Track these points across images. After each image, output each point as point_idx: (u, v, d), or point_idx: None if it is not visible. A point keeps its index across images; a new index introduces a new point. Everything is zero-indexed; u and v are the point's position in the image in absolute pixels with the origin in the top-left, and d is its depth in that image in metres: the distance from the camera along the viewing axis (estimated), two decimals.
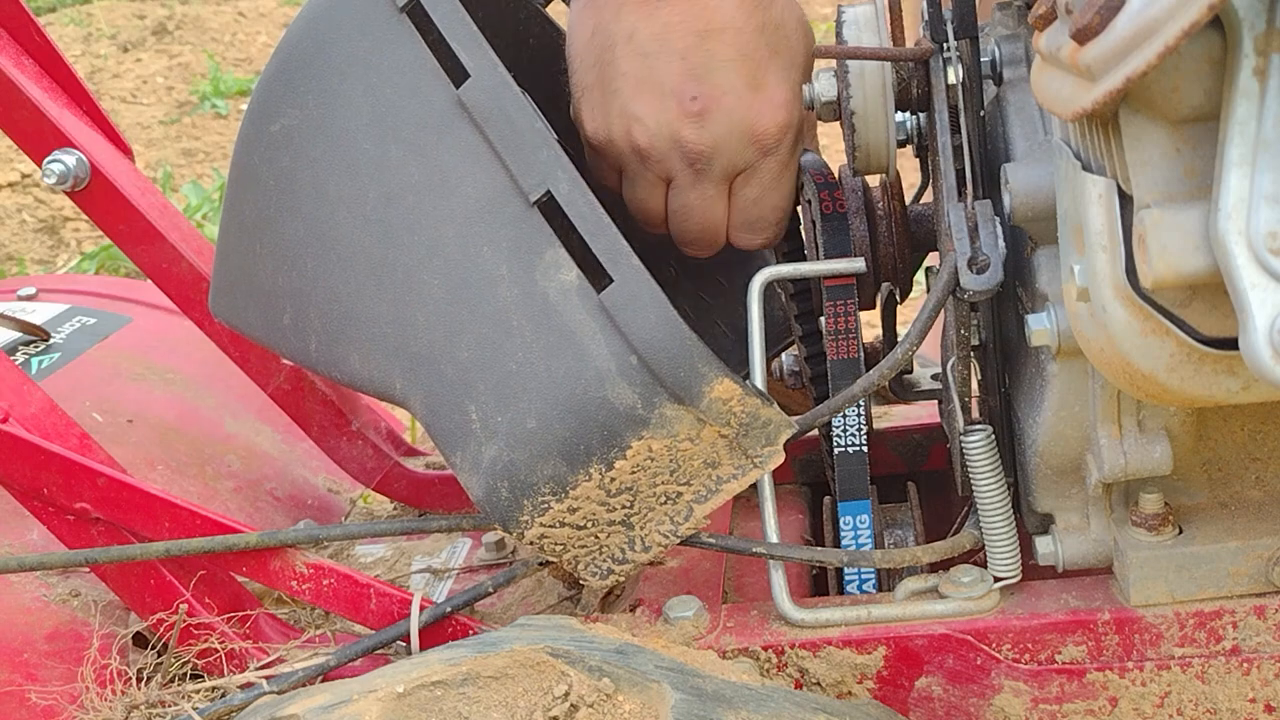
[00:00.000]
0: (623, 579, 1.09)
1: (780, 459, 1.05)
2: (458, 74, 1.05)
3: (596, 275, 1.01)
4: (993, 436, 1.09)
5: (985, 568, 1.10)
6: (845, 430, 1.20)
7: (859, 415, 1.19)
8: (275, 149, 1.11)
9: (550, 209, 1.02)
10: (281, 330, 1.12)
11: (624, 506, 1.04)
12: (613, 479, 1.03)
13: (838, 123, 1.15)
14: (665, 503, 1.05)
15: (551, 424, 1.02)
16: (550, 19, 1.41)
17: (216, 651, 1.23)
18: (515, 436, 1.03)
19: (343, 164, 1.08)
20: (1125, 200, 0.81)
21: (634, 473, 1.03)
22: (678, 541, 1.07)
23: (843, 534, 1.20)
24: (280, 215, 1.10)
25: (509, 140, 1.03)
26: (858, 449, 1.19)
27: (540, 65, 1.40)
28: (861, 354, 1.20)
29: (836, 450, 1.20)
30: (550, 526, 1.05)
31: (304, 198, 1.09)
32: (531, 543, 1.06)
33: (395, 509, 1.63)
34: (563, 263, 1.02)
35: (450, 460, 1.06)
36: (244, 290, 1.15)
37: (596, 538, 1.06)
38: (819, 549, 1.15)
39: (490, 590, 1.20)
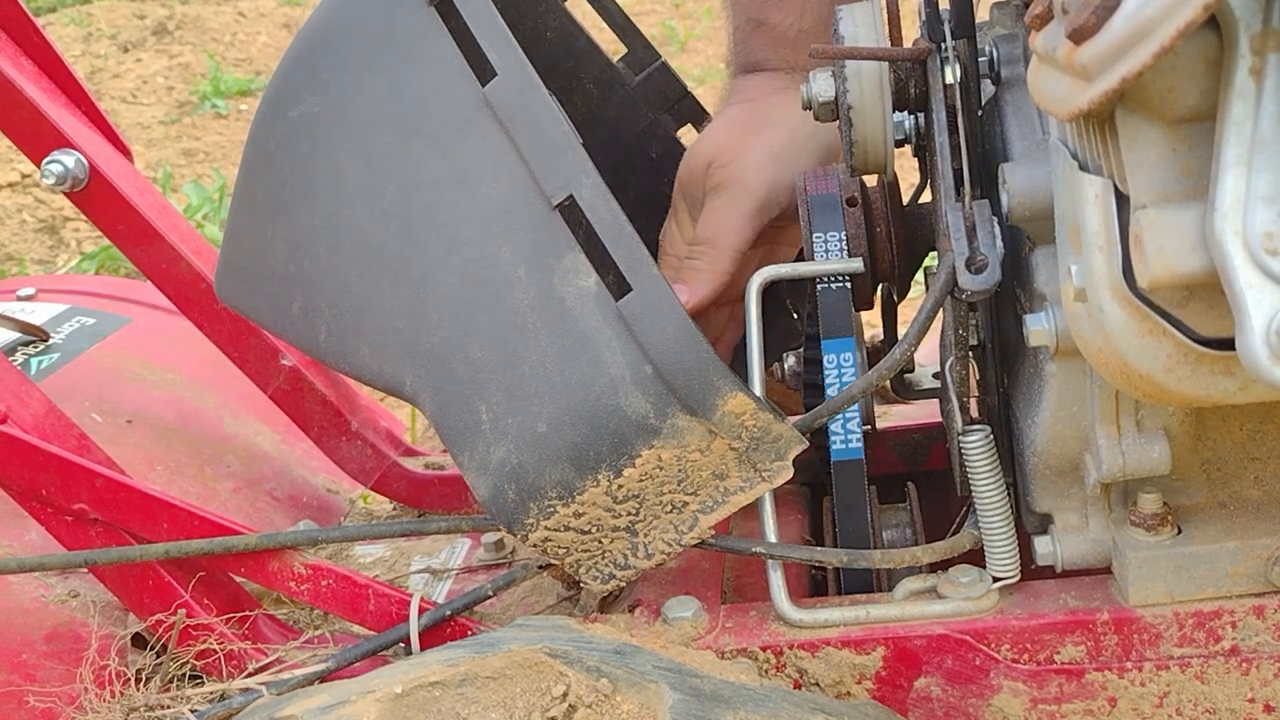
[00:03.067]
0: (624, 584, 1.09)
1: (789, 474, 1.04)
2: (484, 71, 1.04)
3: (615, 282, 1.01)
4: (991, 436, 1.08)
5: (984, 568, 1.10)
6: (827, 262, 1.18)
7: (841, 247, 1.18)
8: (294, 135, 1.10)
9: (572, 213, 1.02)
10: (290, 318, 1.11)
11: (630, 513, 1.04)
12: (620, 486, 1.03)
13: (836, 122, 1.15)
14: (671, 511, 1.05)
15: (562, 428, 1.02)
16: (569, 13, 1.40)
17: (215, 652, 1.23)
18: (525, 439, 1.02)
19: (362, 155, 1.07)
20: (1122, 200, 0.80)
21: (642, 481, 1.03)
22: (680, 549, 1.07)
23: (827, 372, 1.18)
24: (295, 202, 1.10)
25: (533, 141, 1.02)
26: (841, 286, 1.18)
27: (557, 59, 1.40)
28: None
29: (819, 287, 1.18)
30: (555, 530, 1.04)
31: (321, 186, 1.08)
32: (535, 545, 1.06)
33: (395, 509, 1.63)
34: (581, 268, 1.01)
35: (458, 459, 1.06)
36: (253, 275, 1.14)
37: (600, 543, 1.06)
38: (818, 549, 1.15)
39: (490, 594, 1.20)
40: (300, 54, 1.12)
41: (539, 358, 1.02)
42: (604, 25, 1.44)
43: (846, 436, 1.18)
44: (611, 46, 1.46)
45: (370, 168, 1.07)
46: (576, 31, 1.40)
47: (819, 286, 1.18)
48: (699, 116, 1.46)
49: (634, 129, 1.45)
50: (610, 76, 1.43)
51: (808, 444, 1.05)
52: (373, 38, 1.08)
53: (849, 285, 1.18)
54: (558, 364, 1.01)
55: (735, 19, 1.37)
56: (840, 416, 1.17)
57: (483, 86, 1.03)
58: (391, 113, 1.06)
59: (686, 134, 1.48)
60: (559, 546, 1.05)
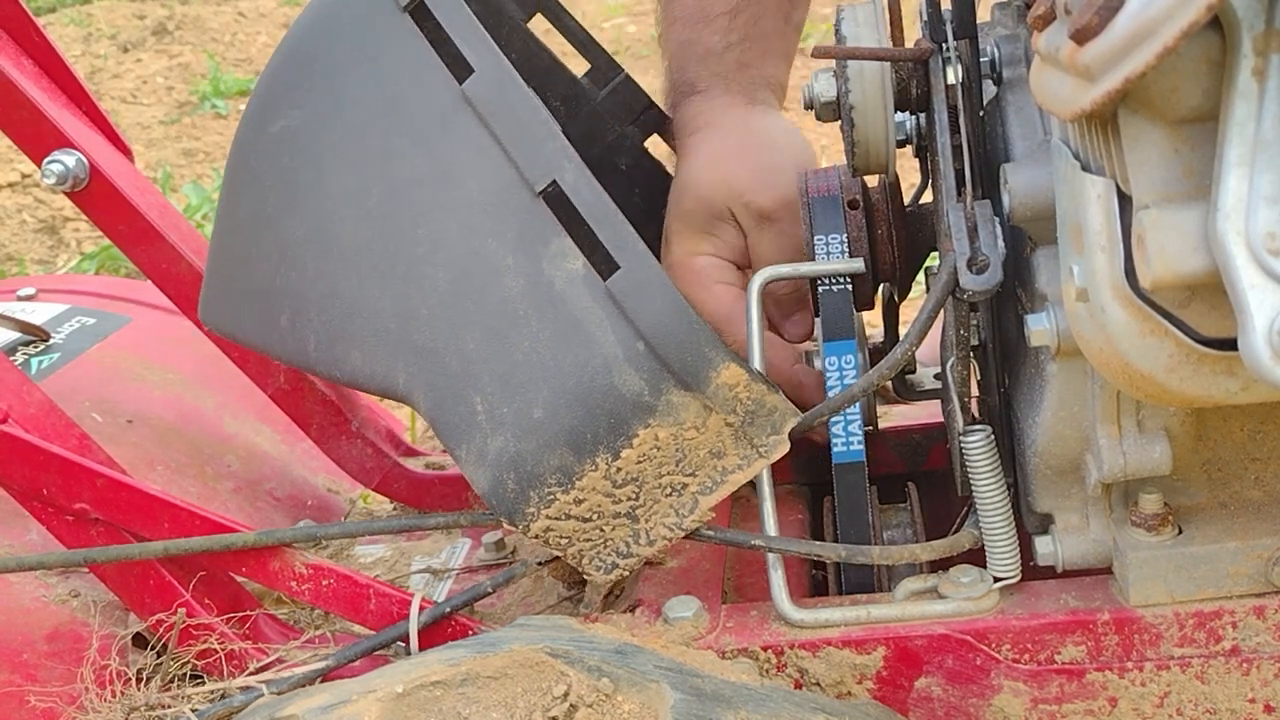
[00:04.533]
0: (627, 573, 1.09)
1: (785, 448, 1.05)
2: (461, 69, 1.05)
3: (603, 263, 1.01)
4: (992, 436, 1.08)
5: (985, 568, 1.10)
6: (829, 263, 1.19)
7: (842, 248, 1.19)
8: (276, 148, 1.10)
9: (556, 198, 1.02)
10: (279, 332, 1.11)
11: (630, 498, 1.04)
12: (619, 469, 1.03)
13: (838, 122, 1.16)
14: (670, 494, 1.05)
15: (558, 413, 1.02)
16: (532, 34, 1.41)
17: (216, 652, 1.23)
18: (522, 427, 1.03)
19: (345, 160, 1.08)
20: (1124, 200, 0.80)
21: (640, 463, 1.03)
22: (682, 535, 1.07)
23: (828, 375, 1.18)
24: (280, 214, 1.10)
25: (514, 132, 1.03)
26: (842, 288, 1.18)
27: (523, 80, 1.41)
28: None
29: (821, 289, 1.19)
30: (556, 519, 1.05)
31: (305, 195, 1.09)
32: (537, 536, 1.06)
33: (395, 509, 1.63)
34: (569, 251, 1.02)
35: (455, 454, 1.06)
36: (239, 294, 1.15)
37: (602, 530, 1.06)
38: (817, 543, 1.15)
39: (489, 590, 1.20)
40: (277, 70, 1.12)
41: (531, 344, 1.02)
42: (566, 44, 1.45)
43: (848, 439, 1.18)
44: (576, 63, 1.47)
45: (353, 171, 1.07)
46: (540, 51, 1.41)
47: (820, 289, 1.19)
48: (664, 126, 1.47)
49: (602, 143, 1.46)
50: (576, 93, 1.44)
51: (802, 416, 1.05)
52: (349, 47, 1.09)
53: (850, 287, 1.18)
54: (550, 348, 1.02)
55: (668, 45, 1.43)
56: (841, 418, 1.17)
57: (460, 84, 1.04)
58: (372, 116, 1.07)
59: (653, 144, 1.49)
60: (561, 536, 1.06)
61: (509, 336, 1.03)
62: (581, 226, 1.01)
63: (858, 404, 1.17)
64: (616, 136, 1.46)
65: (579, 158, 1.02)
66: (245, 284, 1.13)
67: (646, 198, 1.46)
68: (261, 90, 1.13)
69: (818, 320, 1.21)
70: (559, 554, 1.07)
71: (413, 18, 1.06)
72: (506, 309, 1.03)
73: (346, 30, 1.09)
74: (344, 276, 1.07)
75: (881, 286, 1.27)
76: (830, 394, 1.18)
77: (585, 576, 1.10)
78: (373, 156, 1.07)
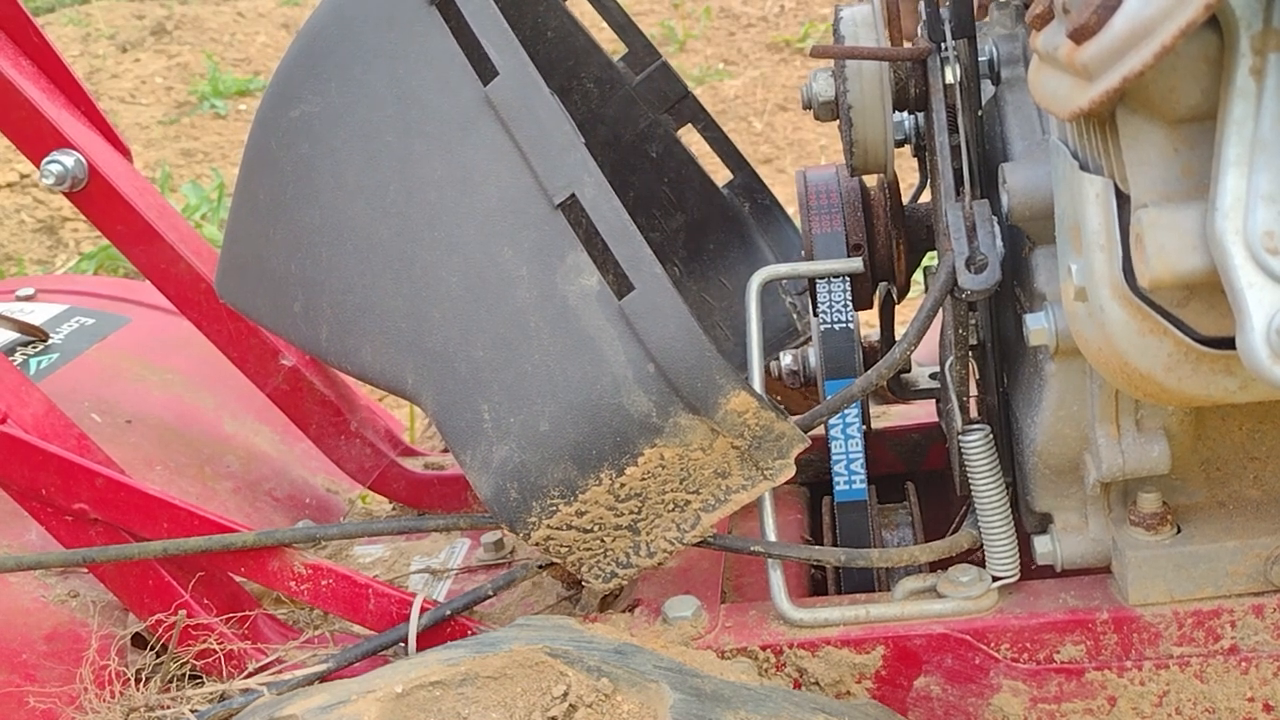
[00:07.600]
0: (625, 582, 1.09)
1: (791, 472, 1.04)
2: (486, 71, 1.04)
3: (617, 281, 1.01)
4: (991, 436, 1.08)
5: (984, 567, 1.10)
6: (831, 306, 1.19)
7: (844, 291, 1.19)
8: (294, 135, 1.10)
9: (574, 212, 1.02)
10: (291, 317, 1.11)
11: (632, 512, 1.04)
12: (622, 485, 1.03)
13: (836, 122, 1.16)
14: (673, 510, 1.05)
15: (565, 427, 1.02)
16: (569, 13, 1.41)
17: (215, 652, 1.23)
18: (527, 438, 1.02)
19: (364, 154, 1.07)
20: (1123, 200, 0.81)
21: (644, 479, 1.03)
22: (682, 548, 1.07)
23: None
24: (296, 202, 1.10)
25: (536, 141, 1.02)
26: (844, 325, 1.18)
27: (557, 58, 1.40)
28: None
29: (823, 328, 1.19)
30: (557, 529, 1.04)
31: (322, 186, 1.08)
32: (537, 544, 1.06)
33: (394, 509, 1.63)
34: (584, 267, 1.01)
35: (460, 458, 1.06)
36: (254, 275, 1.14)
37: (602, 541, 1.06)
38: (816, 547, 1.15)
39: (490, 594, 1.20)
40: (300, 54, 1.12)
41: (541, 357, 1.02)
42: (604, 24, 1.45)
43: (850, 477, 1.19)
44: (611, 46, 1.47)
45: (371, 167, 1.07)
46: (576, 30, 1.41)
47: (823, 328, 1.19)
48: (699, 117, 1.47)
49: (634, 129, 1.45)
50: (610, 76, 1.44)
51: (809, 442, 1.05)
52: (373, 37, 1.08)
53: (852, 326, 1.19)
54: (560, 363, 1.01)
55: None
56: (844, 457, 1.18)
57: (484, 86, 1.03)
58: (393, 112, 1.06)
59: (686, 134, 1.48)
60: (561, 545, 1.05)
61: (519, 347, 1.02)
62: (598, 242, 1.01)
63: (860, 445, 1.18)
64: (649, 123, 1.46)
65: (600, 172, 1.01)
66: (260, 266, 1.13)
67: (675, 187, 1.46)
68: (283, 73, 1.12)
69: (816, 346, 1.21)
70: (558, 561, 1.07)
71: (439, 11, 1.05)
72: (518, 319, 1.02)
73: (371, 19, 1.08)
74: (358, 272, 1.07)
75: (879, 285, 1.27)
76: (833, 431, 1.18)
77: (584, 584, 1.10)
78: (391, 153, 1.06)
